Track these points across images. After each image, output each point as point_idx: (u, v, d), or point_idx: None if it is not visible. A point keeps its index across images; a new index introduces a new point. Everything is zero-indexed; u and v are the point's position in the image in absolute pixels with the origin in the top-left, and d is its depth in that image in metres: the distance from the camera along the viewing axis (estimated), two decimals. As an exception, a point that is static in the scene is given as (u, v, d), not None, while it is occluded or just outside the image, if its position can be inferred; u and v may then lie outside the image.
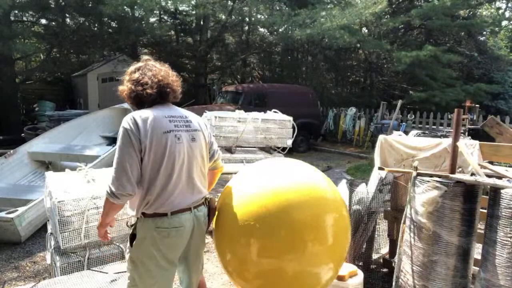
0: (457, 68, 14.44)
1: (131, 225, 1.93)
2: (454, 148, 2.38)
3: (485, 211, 2.18)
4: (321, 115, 12.25)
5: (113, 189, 1.76)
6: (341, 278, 2.51)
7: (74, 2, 9.80)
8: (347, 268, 2.58)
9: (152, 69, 1.95)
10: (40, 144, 6.38)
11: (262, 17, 12.57)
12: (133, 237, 1.86)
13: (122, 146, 1.78)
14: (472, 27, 13.93)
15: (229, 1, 12.72)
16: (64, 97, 13.60)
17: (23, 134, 8.75)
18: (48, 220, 2.98)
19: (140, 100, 1.92)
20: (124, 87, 1.97)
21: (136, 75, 1.93)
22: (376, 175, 3.27)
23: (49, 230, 2.95)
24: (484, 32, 15.72)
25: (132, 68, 2.00)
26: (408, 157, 3.56)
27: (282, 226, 1.95)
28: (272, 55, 16.71)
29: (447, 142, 3.38)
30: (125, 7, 10.05)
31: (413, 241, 2.34)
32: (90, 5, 9.95)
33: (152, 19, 13.21)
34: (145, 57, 2.07)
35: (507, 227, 1.95)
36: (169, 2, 11.94)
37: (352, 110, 11.84)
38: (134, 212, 1.88)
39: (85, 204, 2.62)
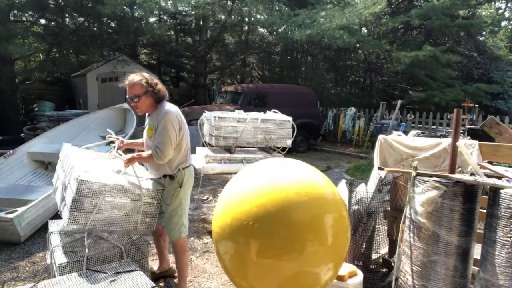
0: (456, 68, 14.46)
1: (171, 177, 2.87)
2: (454, 148, 2.39)
3: (485, 211, 2.18)
4: (320, 115, 12.26)
5: (162, 155, 2.68)
6: (340, 278, 2.51)
7: (73, 2, 9.78)
8: (346, 268, 2.58)
9: None
10: (40, 144, 6.37)
11: (262, 17, 12.55)
12: (177, 184, 2.87)
13: (171, 132, 2.69)
14: (471, 27, 13.95)
15: (229, 1, 12.72)
16: (64, 97, 13.56)
17: (22, 134, 8.73)
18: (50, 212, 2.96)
19: (165, 97, 2.82)
20: (162, 88, 2.80)
21: (155, 80, 2.80)
22: (375, 175, 3.27)
23: (50, 230, 2.94)
24: (484, 32, 15.74)
25: (148, 75, 2.78)
26: (407, 157, 3.56)
27: (282, 226, 1.95)
28: (271, 55, 16.71)
29: (446, 142, 3.38)
30: (124, 7, 10.04)
31: (412, 241, 2.35)
32: (89, 5, 9.93)
33: (151, 19, 13.20)
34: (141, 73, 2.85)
35: (507, 227, 1.95)
36: (169, 2, 11.93)
37: (352, 110, 11.84)
38: (171, 170, 2.83)
39: (104, 191, 2.55)
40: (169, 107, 2.78)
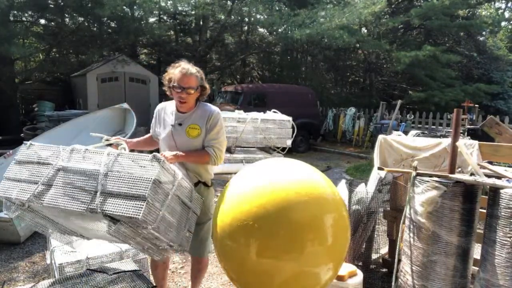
0: (456, 68, 14.47)
1: (206, 185, 2.58)
2: (454, 148, 2.39)
3: (485, 211, 2.18)
4: (320, 115, 12.26)
5: (222, 157, 2.50)
6: (340, 278, 2.51)
7: (73, 2, 9.79)
8: (346, 268, 2.58)
9: None
10: (40, 144, 6.37)
11: (262, 17, 12.57)
12: (213, 193, 2.65)
13: (224, 132, 2.52)
14: (471, 27, 13.96)
15: (229, 1, 12.73)
16: (64, 97, 13.56)
17: (22, 134, 8.73)
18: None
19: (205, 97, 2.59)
20: (208, 86, 2.55)
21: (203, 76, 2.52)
22: (375, 175, 3.27)
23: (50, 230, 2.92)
24: (484, 32, 15.76)
25: (198, 69, 2.51)
26: (407, 157, 3.57)
27: (281, 226, 1.95)
28: (271, 55, 16.71)
29: (446, 142, 3.39)
30: (124, 7, 10.04)
31: (412, 241, 2.35)
32: (89, 5, 9.94)
33: (151, 19, 13.21)
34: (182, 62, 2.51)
35: (507, 227, 1.95)
36: (169, 2, 11.94)
37: (352, 110, 11.85)
38: (212, 174, 2.61)
39: (173, 183, 2.01)
40: (214, 106, 2.55)
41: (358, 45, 13.72)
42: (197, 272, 2.70)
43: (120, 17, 10.53)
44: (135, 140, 2.72)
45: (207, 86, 2.52)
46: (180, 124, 2.47)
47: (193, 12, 12.76)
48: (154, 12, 12.57)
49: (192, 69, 2.42)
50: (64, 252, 2.61)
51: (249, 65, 18.17)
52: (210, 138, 2.45)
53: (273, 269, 1.96)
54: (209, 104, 2.56)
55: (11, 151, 5.88)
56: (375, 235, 3.39)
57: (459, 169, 2.85)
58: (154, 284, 2.15)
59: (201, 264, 2.68)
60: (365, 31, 14.72)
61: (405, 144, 3.66)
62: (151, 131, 2.73)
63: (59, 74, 14.32)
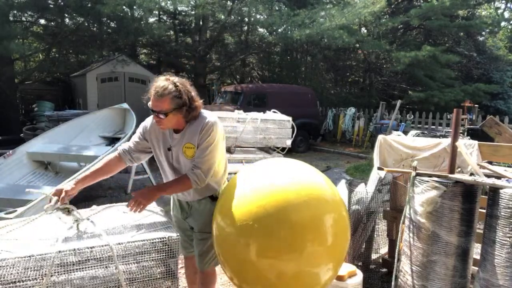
0: (456, 68, 14.49)
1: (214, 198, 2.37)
2: (453, 148, 2.39)
3: (484, 211, 2.18)
4: (320, 115, 12.27)
5: (206, 179, 2.18)
6: (340, 278, 2.51)
7: (73, 2, 9.79)
8: (346, 268, 2.58)
9: None
10: (39, 144, 6.36)
11: (261, 17, 12.59)
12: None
13: (217, 147, 2.21)
14: (471, 27, 13.98)
15: (228, 1, 12.73)
16: (63, 97, 13.58)
17: (22, 134, 8.73)
18: None
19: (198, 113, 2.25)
20: (198, 102, 2.21)
21: (193, 93, 2.19)
22: (375, 175, 3.27)
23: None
24: (483, 32, 15.77)
25: (182, 83, 2.12)
26: (407, 157, 3.57)
27: (281, 227, 1.95)
28: (271, 55, 16.71)
29: (446, 142, 3.39)
30: (124, 7, 10.05)
31: (412, 241, 2.35)
32: (89, 5, 9.94)
33: (151, 19, 13.21)
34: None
35: (506, 227, 1.95)
36: (168, 2, 11.94)
37: (351, 110, 11.85)
38: (218, 188, 2.36)
39: None
40: (209, 115, 2.23)
41: (358, 45, 13.72)
42: (200, 285, 2.52)
43: (120, 17, 10.53)
44: (84, 175, 2.19)
45: (196, 104, 2.15)
46: (175, 146, 2.23)
47: (193, 12, 12.76)
48: (154, 12, 12.58)
49: (168, 86, 2.03)
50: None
51: (249, 65, 18.17)
52: (196, 155, 2.17)
53: (273, 270, 1.96)
54: (205, 114, 2.23)
55: (11, 151, 5.88)
56: (375, 235, 3.39)
57: (459, 169, 2.85)
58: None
59: (204, 277, 2.48)
60: (365, 31, 14.74)
61: (404, 144, 3.66)
62: (127, 145, 2.34)
63: (59, 74, 14.33)
